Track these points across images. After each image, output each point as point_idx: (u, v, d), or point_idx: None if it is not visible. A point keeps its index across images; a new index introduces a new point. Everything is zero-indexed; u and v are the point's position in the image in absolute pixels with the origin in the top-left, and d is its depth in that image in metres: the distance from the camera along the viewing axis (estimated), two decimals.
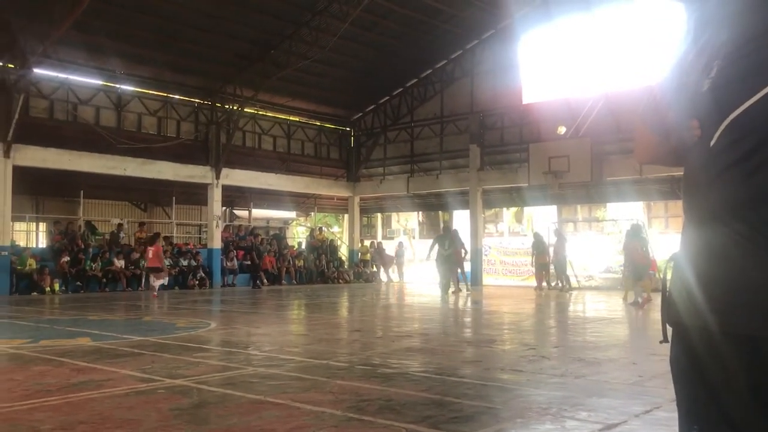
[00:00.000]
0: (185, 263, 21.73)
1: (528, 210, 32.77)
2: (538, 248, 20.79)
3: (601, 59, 21.30)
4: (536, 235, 21.55)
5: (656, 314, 14.02)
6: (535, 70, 23.18)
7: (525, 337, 9.54)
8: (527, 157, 21.90)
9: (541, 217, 29.25)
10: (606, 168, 21.26)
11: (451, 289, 18.23)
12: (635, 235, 15.49)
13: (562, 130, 21.88)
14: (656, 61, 18.96)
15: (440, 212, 34.82)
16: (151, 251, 17.36)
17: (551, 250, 20.50)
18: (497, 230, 33.79)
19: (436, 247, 18.37)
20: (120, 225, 22.19)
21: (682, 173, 1.47)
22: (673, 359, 1.44)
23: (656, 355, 7.25)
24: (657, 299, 16.08)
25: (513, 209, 33.40)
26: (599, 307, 15.53)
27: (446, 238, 18.08)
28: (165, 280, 18.14)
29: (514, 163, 24.29)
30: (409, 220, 37.66)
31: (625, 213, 26.29)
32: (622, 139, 20.91)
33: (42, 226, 25.36)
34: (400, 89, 27.22)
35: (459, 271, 19.10)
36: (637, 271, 15.00)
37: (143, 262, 19.40)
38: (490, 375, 6.06)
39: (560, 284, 20.25)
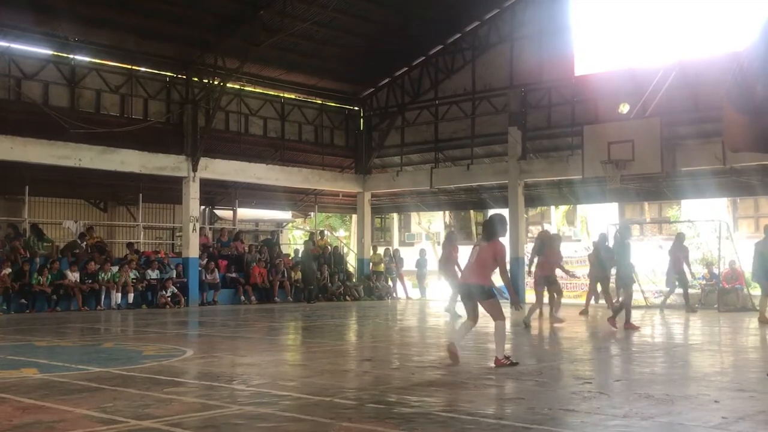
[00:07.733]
0: (154, 275, 21.85)
1: (582, 209, 32.68)
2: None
3: (675, 19, 21.17)
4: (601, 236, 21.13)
5: (746, 339, 13.92)
6: (592, 33, 23.07)
7: (579, 368, 9.52)
8: (581, 142, 21.82)
9: (599, 218, 29.14)
10: (680, 156, 21.13)
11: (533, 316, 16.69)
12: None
13: (625, 108, 21.77)
14: (744, 21, 18.82)
15: (472, 211, 34.80)
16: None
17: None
18: None
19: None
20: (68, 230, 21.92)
21: None
22: None
23: (744, 392, 7.20)
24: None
25: (563, 208, 33.31)
26: (673, 331, 15.44)
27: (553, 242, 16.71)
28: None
29: (564, 151, 24.19)
30: (432, 221, 37.64)
31: (703, 212, 26.14)
32: (700, 120, 20.74)
33: None
34: (422, 58, 27.19)
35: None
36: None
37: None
38: (535, 416, 6.04)
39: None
